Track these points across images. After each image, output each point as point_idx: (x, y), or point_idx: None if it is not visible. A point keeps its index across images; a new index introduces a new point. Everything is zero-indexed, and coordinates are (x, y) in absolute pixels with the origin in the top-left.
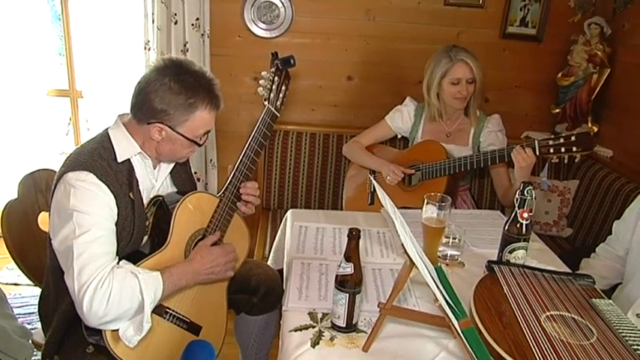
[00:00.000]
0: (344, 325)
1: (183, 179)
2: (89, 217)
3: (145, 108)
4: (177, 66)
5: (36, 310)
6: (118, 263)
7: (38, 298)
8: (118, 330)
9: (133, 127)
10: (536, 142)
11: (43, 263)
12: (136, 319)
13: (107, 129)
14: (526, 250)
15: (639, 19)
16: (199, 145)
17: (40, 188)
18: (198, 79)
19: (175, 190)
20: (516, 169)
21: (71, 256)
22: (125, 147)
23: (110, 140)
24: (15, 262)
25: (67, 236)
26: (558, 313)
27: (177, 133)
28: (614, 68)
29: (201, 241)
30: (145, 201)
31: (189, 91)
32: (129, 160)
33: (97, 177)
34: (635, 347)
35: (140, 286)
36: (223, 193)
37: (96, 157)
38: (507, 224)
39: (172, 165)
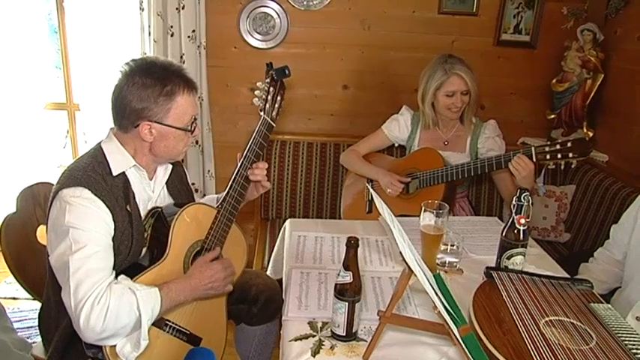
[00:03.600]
0: (344, 334)
1: (179, 189)
2: (85, 233)
3: (127, 113)
4: (142, 64)
5: (35, 324)
6: (116, 278)
7: (38, 312)
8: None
9: (122, 138)
10: (532, 148)
11: (42, 277)
12: (134, 335)
13: (100, 143)
14: (524, 256)
15: (631, 24)
16: (192, 133)
17: (38, 202)
18: (167, 68)
19: (172, 201)
20: (518, 179)
21: (67, 272)
22: (119, 160)
23: (104, 154)
24: (14, 275)
25: (63, 252)
26: (557, 318)
27: (166, 125)
28: (607, 73)
29: (200, 257)
30: (143, 213)
31: (162, 80)
32: (124, 173)
33: (92, 192)
34: (635, 351)
35: (138, 303)
36: (221, 204)
37: (90, 172)
38: (505, 230)
39: (168, 175)
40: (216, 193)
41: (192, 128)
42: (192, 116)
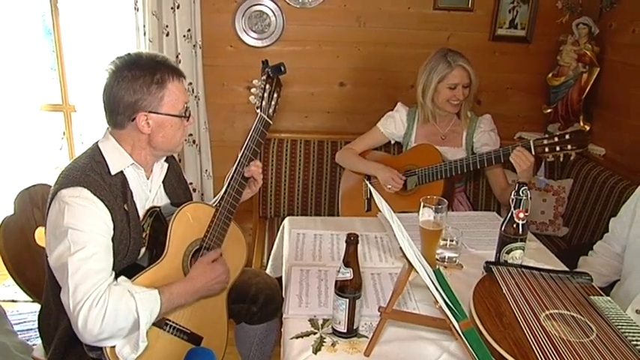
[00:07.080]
0: (345, 331)
1: (175, 188)
2: (84, 234)
3: (122, 108)
4: (128, 59)
5: (35, 326)
6: (116, 279)
7: (37, 314)
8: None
9: (119, 135)
10: (531, 141)
11: (40, 279)
12: (132, 337)
13: (97, 142)
14: (523, 250)
15: (625, 18)
16: (187, 120)
17: (36, 203)
18: (153, 58)
19: (169, 201)
20: (519, 172)
21: (66, 273)
22: (117, 159)
23: (101, 153)
24: (13, 278)
25: (62, 253)
26: (557, 311)
27: (162, 114)
28: (603, 67)
29: (202, 258)
30: (141, 212)
31: (150, 70)
32: (122, 172)
33: (91, 192)
34: (635, 343)
35: (136, 306)
36: (219, 202)
37: (88, 171)
38: (504, 225)
39: (164, 174)
40: (213, 193)
41: (187, 115)
42: (184, 103)
